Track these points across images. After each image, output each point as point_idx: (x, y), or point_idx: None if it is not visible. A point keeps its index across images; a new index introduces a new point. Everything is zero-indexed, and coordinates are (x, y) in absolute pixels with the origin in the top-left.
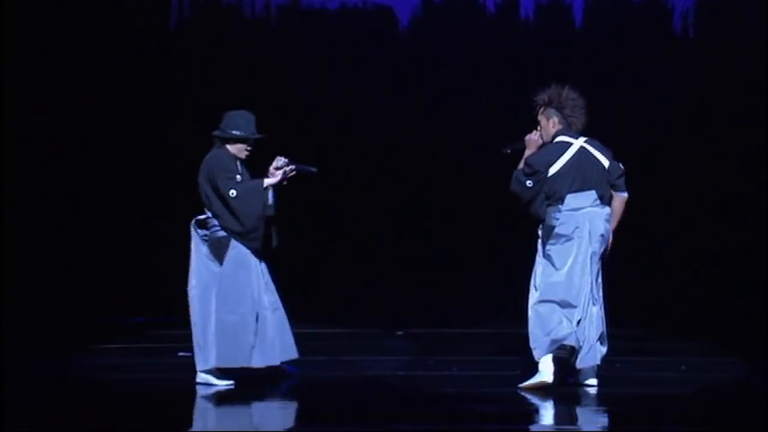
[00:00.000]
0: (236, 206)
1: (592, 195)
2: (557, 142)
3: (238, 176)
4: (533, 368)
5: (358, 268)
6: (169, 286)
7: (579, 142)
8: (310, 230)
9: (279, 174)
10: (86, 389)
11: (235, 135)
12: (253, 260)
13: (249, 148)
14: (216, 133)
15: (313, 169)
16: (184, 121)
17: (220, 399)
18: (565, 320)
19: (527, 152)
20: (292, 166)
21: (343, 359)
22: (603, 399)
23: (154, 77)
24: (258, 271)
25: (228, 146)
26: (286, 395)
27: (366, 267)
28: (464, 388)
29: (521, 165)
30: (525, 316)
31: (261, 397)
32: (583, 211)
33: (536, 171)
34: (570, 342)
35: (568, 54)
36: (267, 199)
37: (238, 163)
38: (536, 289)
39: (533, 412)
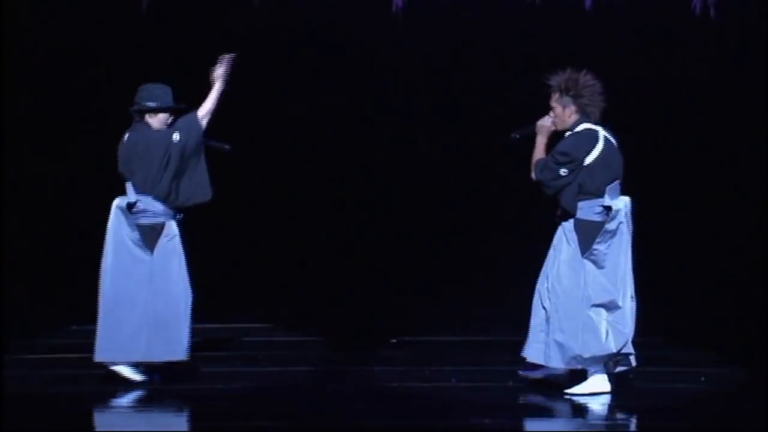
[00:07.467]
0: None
1: (618, 187)
2: (586, 131)
3: None
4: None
5: (348, 272)
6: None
7: (602, 132)
8: (297, 233)
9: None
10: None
11: (150, 107)
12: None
13: (170, 121)
14: (133, 108)
15: (227, 147)
16: None
17: (194, 416)
18: (611, 329)
19: (539, 138)
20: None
21: (333, 369)
22: (616, 412)
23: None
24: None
25: (149, 119)
26: (275, 409)
27: (356, 271)
28: (463, 400)
29: (552, 152)
30: (558, 318)
31: (246, 409)
32: (619, 203)
33: (574, 159)
34: (621, 350)
35: (577, 37)
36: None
37: None
38: (587, 293)
39: (538, 424)
